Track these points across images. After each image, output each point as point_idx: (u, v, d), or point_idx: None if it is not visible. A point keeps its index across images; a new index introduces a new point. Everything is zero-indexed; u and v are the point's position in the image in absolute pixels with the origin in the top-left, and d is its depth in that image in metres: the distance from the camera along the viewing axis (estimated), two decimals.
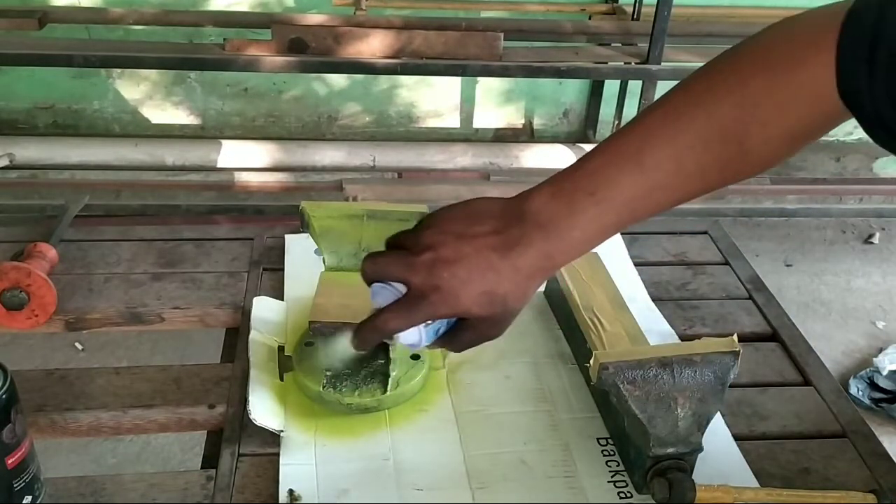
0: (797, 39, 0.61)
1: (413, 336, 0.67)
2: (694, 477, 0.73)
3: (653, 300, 1.02)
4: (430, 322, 0.67)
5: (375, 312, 0.67)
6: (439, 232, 0.65)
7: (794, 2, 2.85)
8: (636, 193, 0.63)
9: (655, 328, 0.96)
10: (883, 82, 0.56)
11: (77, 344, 2.16)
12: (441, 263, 0.63)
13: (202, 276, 1.04)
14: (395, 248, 0.68)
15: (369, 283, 0.68)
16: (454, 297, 0.63)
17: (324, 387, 0.83)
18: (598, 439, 0.81)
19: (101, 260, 1.07)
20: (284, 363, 0.88)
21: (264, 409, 0.80)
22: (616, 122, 2.79)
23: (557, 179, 0.65)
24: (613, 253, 1.08)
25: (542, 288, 1.02)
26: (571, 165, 0.66)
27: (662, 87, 2.29)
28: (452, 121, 2.90)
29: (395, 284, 0.66)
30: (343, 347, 0.73)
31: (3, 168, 2.45)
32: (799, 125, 0.62)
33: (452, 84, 2.83)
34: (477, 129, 2.93)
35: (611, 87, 2.79)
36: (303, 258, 1.03)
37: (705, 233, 1.18)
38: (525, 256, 0.63)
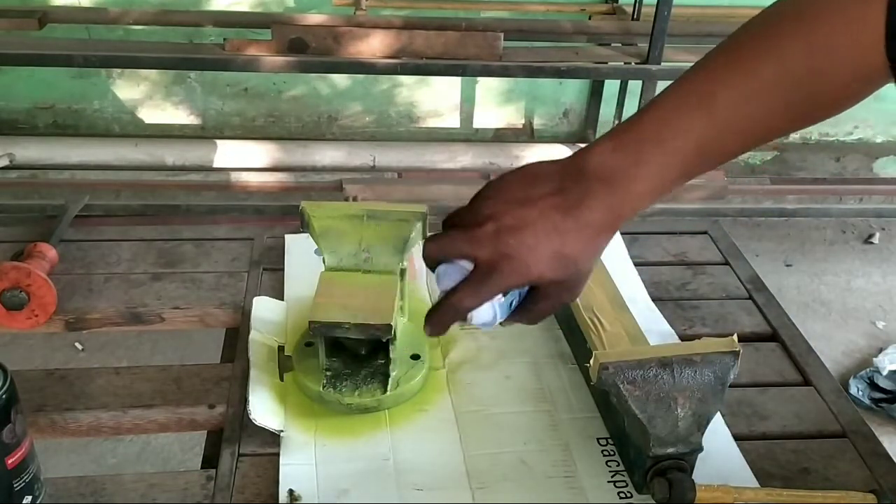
0: None
1: (487, 314, 0.65)
2: (694, 477, 0.73)
3: (653, 300, 1.02)
4: (502, 296, 0.65)
5: (446, 294, 0.65)
6: (499, 201, 0.63)
7: None
8: (705, 140, 0.61)
9: (655, 328, 0.96)
10: None
11: (77, 344, 2.16)
12: (506, 232, 0.61)
13: (202, 276, 1.04)
14: (454, 227, 0.65)
15: (434, 266, 0.66)
16: (524, 264, 0.61)
17: (324, 387, 0.83)
18: (598, 439, 0.81)
19: (101, 260, 1.07)
20: (284, 363, 0.88)
21: (264, 409, 0.80)
22: (616, 122, 2.79)
23: (618, 132, 0.63)
24: (613, 253, 1.08)
25: None
26: (632, 117, 0.63)
27: (662, 87, 2.28)
28: (452, 121, 2.90)
29: (462, 262, 0.64)
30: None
31: (3, 168, 2.46)
32: (860, 73, 0.60)
33: (452, 84, 2.83)
34: (477, 129, 2.93)
35: (611, 87, 2.79)
36: (303, 258, 1.02)
37: (705, 233, 1.18)
38: (591, 213, 0.62)
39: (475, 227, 0.62)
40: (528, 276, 0.63)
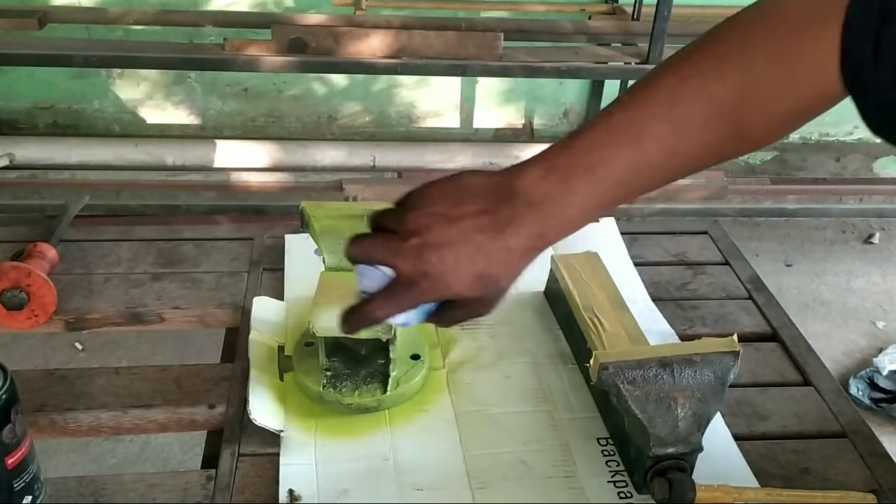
0: (803, 13, 0.58)
1: (400, 318, 0.67)
2: (694, 477, 0.73)
3: (653, 300, 1.02)
4: (416, 311, 0.66)
5: (364, 299, 0.65)
6: (425, 214, 0.63)
7: None
8: (634, 170, 0.61)
9: (655, 328, 0.96)
10: (889, 65, 0.53)
11: (77, 344, 2.16)
12: (429, 249, 0.61)
13: (202, 276, 1.04)
14: (379, 232, 0.66)
15: (354, 264, 0.66)
16: (444, 282, 0.62)
17: (324, 387, 0.83)
18: (598, 439, 0.81)
19: (101, 260, 1.07)
20: (284, 363, 0.88)
21: (264, 409, 0.80)
22: None
23: (549, 155, 0.63)
24: (613, 253, 1.08)
25: (542, 288, 1.02)
26: (562, 141, 0.63)
27: None
28: (452, 121, 2.90)
29: (383, 268, 0.64)
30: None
31: (3, 168, 2.45)
32: (799, 103, 0.60)
33: (452, 84, 2.83)
34: (477, 129, 2.93)
35: (611, 87, 2.79)
36: (303, 258, 1.02)
37: (705, 233, 1.18)
38: (517, 237, 0.62)
39: (399, 240, 0.62)
40: (446, 294, 0.63)
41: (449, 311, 0.67)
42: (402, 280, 0.63)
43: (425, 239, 0.62)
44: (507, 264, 0.63)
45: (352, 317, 0.66)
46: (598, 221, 1.15)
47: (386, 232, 0.65)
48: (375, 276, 0.65)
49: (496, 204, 0.62)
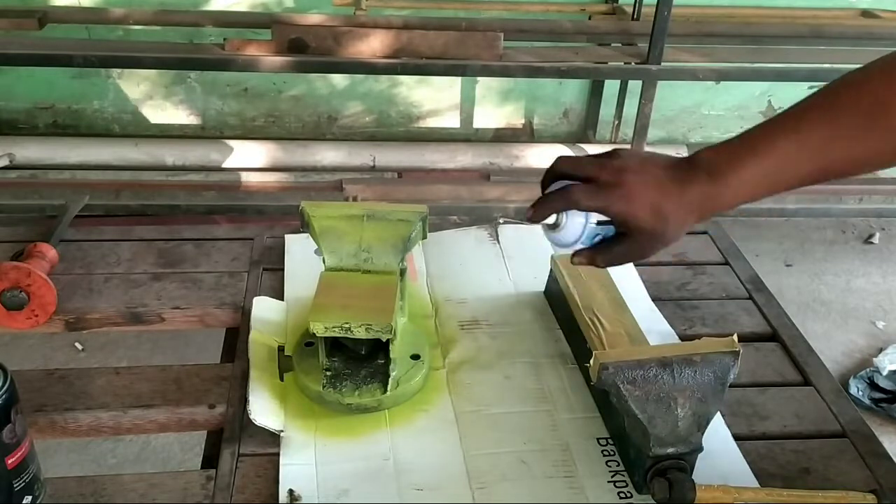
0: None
1: (576, 229, 0.76)
2: (694, 477, 0.73)
3: (653, 300, 1.02)
4: (593, 224, 0.76)
5: (565, 186, 0.75)
6: (626, 158, 0.76)
7: (794, 2, 2.84)
8: (790, 156, 0.73)
9: (655, 328, 0.96)
10: None
11: (77, 344, 2.16)
12: (627, 170, 0.74)
13: (202, 276, 1.04)
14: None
15: (555, 177, 0.77)
16: (630, 198, 0.73)
17: (324, 387, 0.83)
18: (598, 439, 0.81)
19: (101, 260, 1.07)
20: (284, 363, 0.88)
21: (264, 409, 0.80)
22: (616, 122, 2.79)
23: (725, 142, 0.75)
24: None
25: (542, 288, 1.02)
26: (744, 132, 0.76)
27: (662, 87, 2.29)
28: (452, 121, 2.90)
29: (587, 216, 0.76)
30: None
31: (3, 168, 2.45)
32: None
33: (452, 84, 2.83)
34: (477, 129, 2.92)
35: (611, 87, 2.79)
36: (303, 258, 1.03)
37: (705, 233, 1.18)
38: (691, 190, 0.73)
39: (604, 162, 0.75)
40: (627, 209, 0.73)
41: (614, 245, 0.77)
42: (600, 183, 0.74)
43: (626, 164, 0.75)
44: (679, 208, 0.74)
45: (545, 201, 0.76)
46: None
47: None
48: (578, 223, 0.76)
49: (679, 166, 0.75)
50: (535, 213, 0.77)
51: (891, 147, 0.72)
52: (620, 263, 0.80)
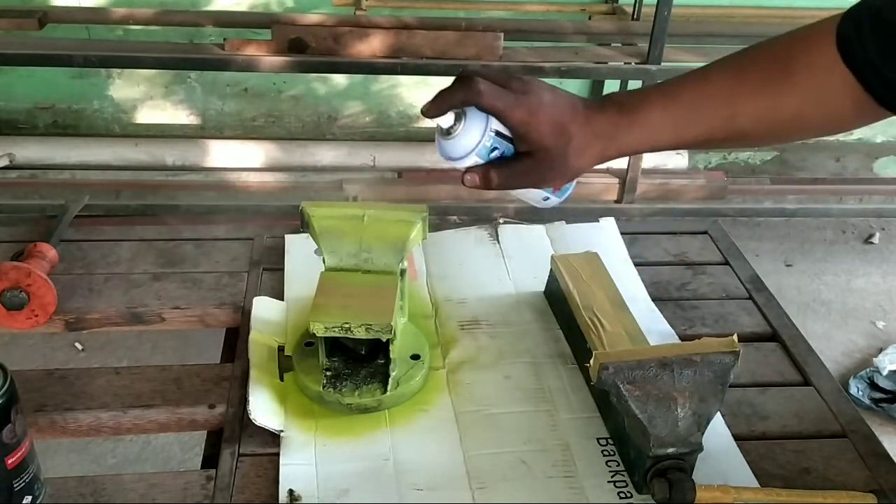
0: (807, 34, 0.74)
1: (473, 137, 0.71)
2: (694, 477, 0.73)
3: (653, 300, 1.02)
4: (492, 134, 0.72)
5: (467, 77, 0.72)
6: (540, 81, 0.75)
7: (794, 2, 2.84)
8: (697, 102, 0.76)
9: (655, 328, 0.96)
10: (871, 41, 0.68)
11: (77, 344, 2.16)
12: (539, 86, 0.73)
13: (202, 276, 1.04)
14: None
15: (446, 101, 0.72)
16: (535, 110, 0.71)
17: (324, 387, 0.83)
18: (598, 439, 0.81)
19: (101, 260, 1.07)
20: (284, 363, 0.88)
21: (264, 409, 0.80)
22: None
23: (638, 88, 0.84)
24: (613, 253, 1.08)
25: (542, 288, 1.02)
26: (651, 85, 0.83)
27: None
28: None
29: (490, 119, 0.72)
30: None
31: (3, 168, 2.45)
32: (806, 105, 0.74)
33: None
34: None
35: (611, 87, 2.79)
36: (303, 258, 1.02)
37: (705, 233, 1.18)
38: (599, 119, 0.74)
39: (510, 75, 0.74)
40: (529, 120, 0.71)
41: (512, 162, 0.74)
42: (509, 88, 0.72)
43: (538, 82, 0.74)
44: (583, 134, 0.73)
45: (452, 88, 0.72)
46: (598, 221, 1.15)
47: None
48: (476, 127, 0.72)
49: (590, 100, 0.76)
50: (431, 106, 0.71)
51: (793, 105, 0.73)
52: (516, 186, 0.77)
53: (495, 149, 0.73)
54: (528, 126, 0.72)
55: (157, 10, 2.46)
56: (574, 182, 0.80)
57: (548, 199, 0.80)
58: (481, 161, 0.74)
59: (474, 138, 0.72)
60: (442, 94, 0.71)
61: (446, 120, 0.72)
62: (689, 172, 2.71)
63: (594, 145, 0.74)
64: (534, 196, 0.80)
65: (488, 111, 0.72)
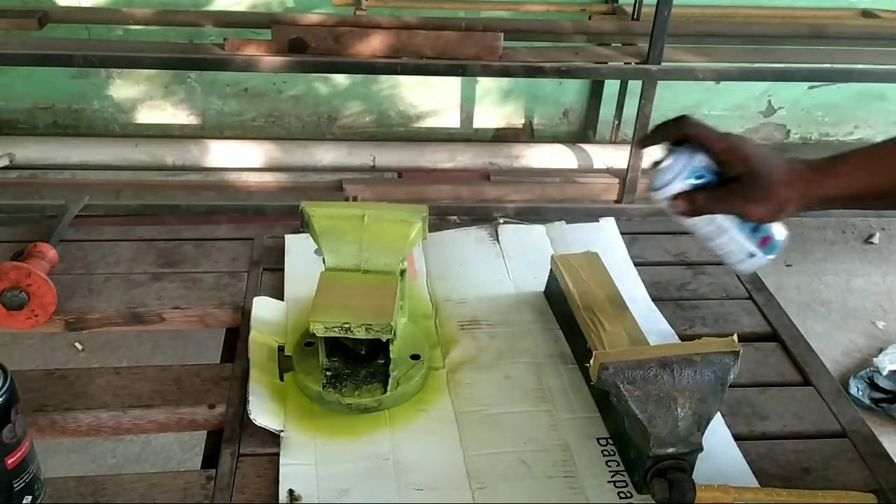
0: None
1: (682, 162, 0.75)
2: (694, 477, 0.73)
3: (653, 300, 1.02)
4: (698, 164, 0.75)
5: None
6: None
7: (794, 2, 2.84)
8: (864, 167, 0.78)
9: (655, 328, 0.96)
10: None
11: (77, 344, 2.16)
12: (745, 139, 0.76)
13: (202, 276, 1.04)
14: None
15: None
16: (740, 142, 0.75)
17: (324, 387, 0.83)
18: (598, 439, 0.81)
19: (101, 260, 1.07)
20: (284, 363, 0.88)
21: (264, 409, 0.80)
22: (616, 122, 2.79)
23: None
24: (613, 253, 1.08)
25: (542, 288, 1.02)
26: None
27: (662, 87, 2.28)
28: (452, 121, 2.90)
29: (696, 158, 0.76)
30: None
31: (3, 168, 2.45)
32: None
33: (452, 84, 2.83)
34: (477, 129, 2.92)
35: (611, 87, 2.79)
36: (303, 258, 1.03)
37: None
38: (801, 163, 0.77)
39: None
40: (735, 147, 0.75)
41: (718, 189, 0.76)
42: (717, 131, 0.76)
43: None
44: (786, 168, 0.76)
45: (666, 124, 0.76)
46: (598, 221, 1.15)
47: None
48: (683, 156, 0.75)
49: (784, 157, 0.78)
50: (646, 138, 0.78)
51: None
52: (721, 209, 0.78)
53: (701, 177, 0.76)
54: (735, 153, 0.75)
55: (157, 10, 2.46)
56: (782, 237, 0.82)
57: (753, 255, 0.81)
58: (688, 188, 0.76)
59: (682, 164, 0.75)
60: (656, 128, 0.77)
61: (658, 152, 0.77)
62: None
63: (799, 179, 0.76)
64: (737, 250, 0.80)
65: (698, 141, 0.75)
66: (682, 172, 0.75)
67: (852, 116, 2.96)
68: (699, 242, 0.81)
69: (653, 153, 0.78)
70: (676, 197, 0.76)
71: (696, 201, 0.76)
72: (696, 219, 0.77)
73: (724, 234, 0.78)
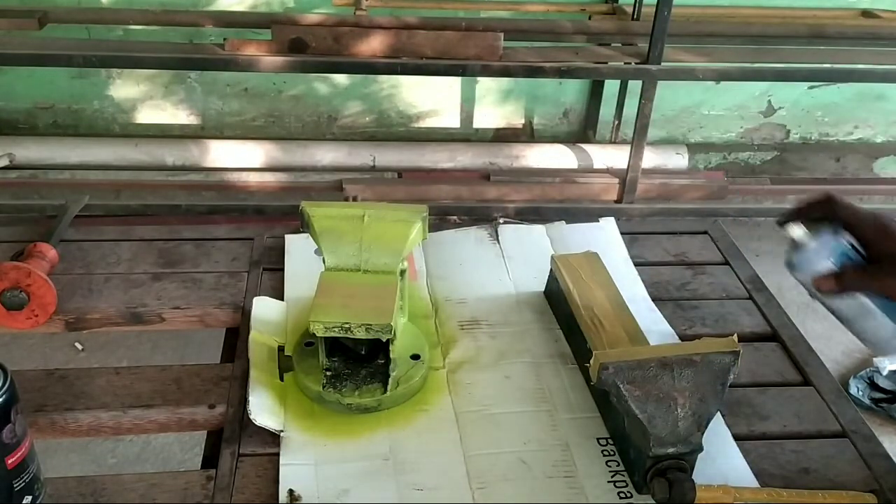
0: None
1: (828, 242, 0.75)
2: (694, 477, 0.73)
3: (653, 300, 1.02)
4: (843, 245, 0.75)
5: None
6: None
7: (794, 2, 2.84)
8: None
9: (655, 328, 0.96)
10: None
11: (77, 344, 2.16)
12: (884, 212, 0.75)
13: (202, 276, 1.04)
14: None
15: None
16: (886, 222, 0.74)
17: (324, 387, 0.83)
18: (598, 439, 0.81)
19: (101, 260, 1.07)
20: (284, 363, 0.88)
21: (264, 409, 0.80)
22: (616, 122, 2.79)
23: None
24: (613, 253, 1.08)
25: (542, 288, 1.02)
26: None
27: (662, 87, 2.29)
28: (452, 121, 2.90)
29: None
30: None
31: (3, 168, 2.45)
32: None
33: (452, 84, 2.83)
34: (477, 129, 2.92)
35: (611, 87, 2.79)
36: (303, 258, 1.03)
37: (705, 233, 1.18)
38: None
39: None
40: (883, 226, 0.74)
41: (868, 266, 0.75)
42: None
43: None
44: None
45: (805, 205, 0.76)
46: (598, 221, 1.15)
47: None
48: (828, 236, 0.76)
49: None
50: (791, 215, 0.77)
51: None
52: (869, 287, 0.77)
53: (847, 256, 0.76)
54: (882, 233, 0.74)
55: (157, 10, 2.46)
56: None
57: None
58: (834, 268, 0.76)
59: (829, 245, 0.76)
60: (801, 206, 0.77)
61: (799, 230, 0.76)
62: (690, 172, 2.71)
63: None
64: (884, 332, 0.81)
65: (846, 220, 0.75)
66: (829, 253, 0.76)
67: (852, 116, 2.96)
68: (841, 324, 0.82)
69: (792, 231, 0.77)
70: (825, 275, 0.77)
71: (843, 278, 0.76)
72: (839, 299, 0.78)
73: (870, 314, 0.78)
